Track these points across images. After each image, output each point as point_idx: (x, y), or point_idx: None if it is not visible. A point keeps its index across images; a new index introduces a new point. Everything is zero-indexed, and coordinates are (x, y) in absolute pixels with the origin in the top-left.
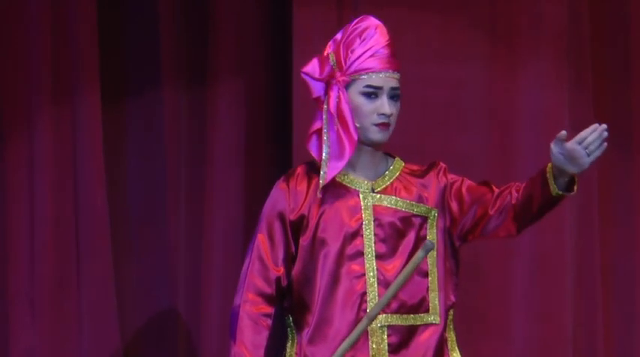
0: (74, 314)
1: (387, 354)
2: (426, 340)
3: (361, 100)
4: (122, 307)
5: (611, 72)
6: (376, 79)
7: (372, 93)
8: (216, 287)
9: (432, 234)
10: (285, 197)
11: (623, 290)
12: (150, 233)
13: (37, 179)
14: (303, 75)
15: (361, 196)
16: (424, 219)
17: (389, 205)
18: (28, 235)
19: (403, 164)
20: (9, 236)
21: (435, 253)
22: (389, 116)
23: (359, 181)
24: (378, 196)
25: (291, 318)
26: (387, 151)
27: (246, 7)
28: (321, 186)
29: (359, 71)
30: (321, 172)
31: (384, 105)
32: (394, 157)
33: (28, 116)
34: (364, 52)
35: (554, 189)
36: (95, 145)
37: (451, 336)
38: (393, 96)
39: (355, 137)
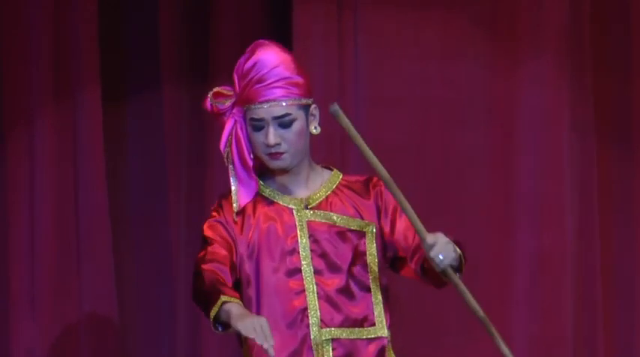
0: (75, 313)
1: None
2: (372, 353)
3: (251, 131)
4: (122, 306)
5: (611, 70)
6: (256, 111)
7: (258, 126)
8: None
9: (371, 248)
10: (222, 217)
11: (624, 290)
12: (150, 232)
13: (38, 178)
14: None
15: (295, 213)
16: (362, 233)
17: (323, 221)
18: (29, 233)
19: (341, 176)
20: (10, 235)
21: (377, 268)
22: (275, 146)
23: (291, 199)
24: (312, 211)
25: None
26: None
27: (247, 7)
28: (234, 214)
29: (243, 104)
30: (233, 204)
31: (268, 136)
32: (331, 170)
33: (29, 115)
34: (247, 84)
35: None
36: (95, 144)
37: (390, 355)
38: (282, 124)
39: (250, 164)
